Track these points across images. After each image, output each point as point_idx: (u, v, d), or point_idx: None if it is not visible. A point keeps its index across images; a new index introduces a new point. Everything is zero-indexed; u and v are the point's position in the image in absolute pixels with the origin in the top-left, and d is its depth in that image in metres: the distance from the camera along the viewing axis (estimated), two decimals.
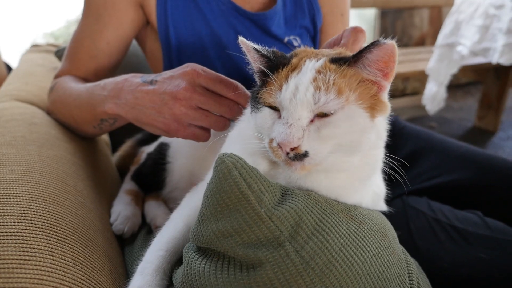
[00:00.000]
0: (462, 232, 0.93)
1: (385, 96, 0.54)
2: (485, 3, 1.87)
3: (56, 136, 0.85)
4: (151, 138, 0.99)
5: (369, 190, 0.62)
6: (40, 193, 0.62)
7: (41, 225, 0.55)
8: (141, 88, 0.72)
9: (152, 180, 0.84)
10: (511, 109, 3.47)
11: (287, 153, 0.50)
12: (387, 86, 0.54)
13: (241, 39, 0.60)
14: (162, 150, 0.84)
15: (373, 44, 0.49)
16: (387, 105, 0.55)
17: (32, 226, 0.54)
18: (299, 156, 0.49)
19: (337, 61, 0.53)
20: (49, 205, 0.61)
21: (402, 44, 3.63)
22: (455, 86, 3.77)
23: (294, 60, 0.56)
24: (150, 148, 0.90)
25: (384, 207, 0.69)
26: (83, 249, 0.58)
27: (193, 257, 0.49)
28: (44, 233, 0.54)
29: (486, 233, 0.91)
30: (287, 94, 0.51)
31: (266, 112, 0.55)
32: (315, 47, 1.11)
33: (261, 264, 0.43)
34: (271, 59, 0.58)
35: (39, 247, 0.51)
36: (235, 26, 0.98)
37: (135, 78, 0.75)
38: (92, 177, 0.82)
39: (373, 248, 0.51)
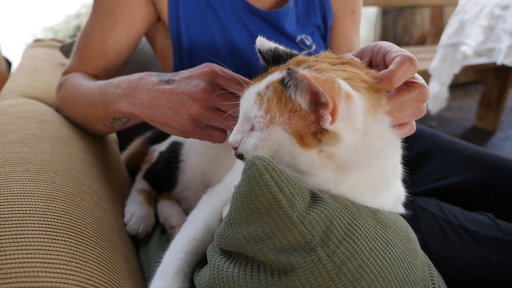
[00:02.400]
0: (473, 233, 0.93)
1: (333, 126, 0.47)
2: (491, 3, 1.87)
3: (68, 134, 0.84)
4: (161, 136, 0.98)
5: (391, 194, 0.61)
6: (57, 193, 0.61)
7: (62, 226, 0.54)
8: (157, 87, 0.70)
9: (165, 179, 0.83)
10: (510, 109, 3.49)
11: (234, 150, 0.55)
12: (327, 117, 0.46)
13: (258, 38, 0.61)
14: (176, 149, 0.83)
15: (288, 72, 0.47)
16: (338, 137, 0.48)
17: (52, 228, 0.53)
18: (238, 155, 0.55)
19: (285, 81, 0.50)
20: (67, 205, 0.60)
21: (403, 43, 3.63)
22: (454, 86, 3.78)
23: (272, 69, 0.57)
24: (162, 146, 0.89)
25: (402, 209, 0.69)
26: (104, 251, 0.57)
27: (220, 260, 0.48)
28: (65, 235, 0.53)
29: (498, 235, 0.91)
30: (241, 101, 0.56)
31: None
32: (325, 46, 1.10)
33: (293, 270, 0.42)
34: (268, 61, 0.59)
35: (61, 249, 0.50)
36: (247, 25, 0.97)
37: (150, 77, 0.74)
38: (105, 176, 0.81)
39: (399, 252, 0.51)
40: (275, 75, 0.53)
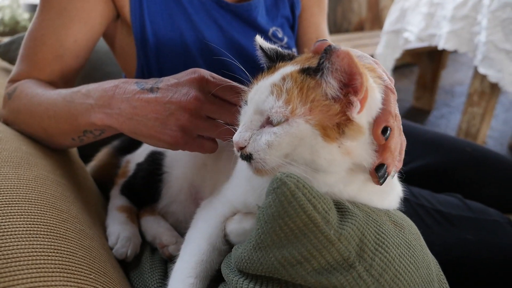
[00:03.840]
0: (446, 215, 0.98)
1: (358, 117, 0.46)
2: None
3: (29, 152, 0.74)
4: (131, 145, 0.91)
5: (395, 192, 0.61)
6: (38, 227, 0.53)
7: (54, 267, 0.47)
8: (140, 96, 0.63)
9: (147, 193, 0.77)
10: (443, 89, 3.77)
11: (238, 151, 0.50)
12: (356, 104, 0.45)
13: (256, 37, 0.58)
14: (157, 160, 0.77)
15: (327, 52, 0.44)
16: (361, 129, 0.46)
17: (44, 270, 0.46)
18: (245, 156, 0.49)
19: (306, 70, 0.48)
20: (53, 240, 0.52)
21: (342, 29, 3.74)
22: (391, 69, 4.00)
23: (280, 64, 0.54)
24: (138, 157, 0.82)
25: (398, 205, 0.69)
26: (104, 287, 0.51)
27: (247, 285, 0.45)
28: (62, 277, 0.46)
29: (469, 215, 0.97)
30: (250, 95, 0.52)
31: (244, 108, 0.55)
32: (294, 36, 1.09)
33: None
34: (271, 58, 0.56)
35: None
36: (218, 20, 0.92)
37: (128, 85, 0.66)
38: (79, 197, 0.73)
39: (418, 252, 0.51)
40: (288, 68, 0.50)
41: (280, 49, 0.58)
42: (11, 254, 0.46)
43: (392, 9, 2.27)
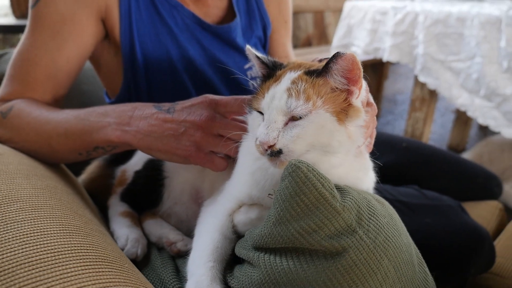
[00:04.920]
0: (408, 204, 1.12)
1: (356, 101, 0.60)
2: (372, 10, 2.19)
3: (33, 165, 0.77)
4: (122, 157, 0.96)
5: (370, 178, 0.73)
6: (67, 228, 0.58)
7: (96, 259, 0.53)
8: (157, 116, 0.72)
9: (148, 198, 0.83)
10: (386, 98, 4.09)
11: (266, 150, 0.58)
12: (356, 91, 0.59)
13: (248, 47, 0.68)
14: (156, 166, 0.83)
15: (335, 56, 0.57)
16: (359, 110, 0.60)
17: (90, 262, 0.51)
18: (275, 153, 0.58)
19: (311, 73, 0.61)
20: (84, 238, 0.57)
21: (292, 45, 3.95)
22: None
23: (279, 72, 0.64)
24: (134, 166, 0.87)
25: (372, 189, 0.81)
26: (138, 274, 0.56)
27: (269, 258, 0.54)
28: (105, 267, 0.52)
29: (427, 202, 1.12)
30: (267, 101, 0.60)
31: (254, 115, 0.64)
32: (265, 55, 1.20)
33: (344, 250, 0.50)
34: (269, 67, 0.65)
35: (115, 280, 0.49)
36: (200, 40, 1.01)
37: (147, 107, 0.75)
38: (84, 204, 0.77)
39: (398, 223, 0.63)
40: (292, 74, 0.60)
41: (276, 59, 0.68)
42: (59, 249, 0.51)
43: (339, 26, 2.48)
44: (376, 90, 3.49)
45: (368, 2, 2.29)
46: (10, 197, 0.61)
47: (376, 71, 3.41)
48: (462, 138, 2.86)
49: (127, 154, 0.94)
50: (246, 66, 1.08)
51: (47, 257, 0.49)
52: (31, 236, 0.52)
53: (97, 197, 0.94)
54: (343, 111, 0.58)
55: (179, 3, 0.97)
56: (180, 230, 0.81)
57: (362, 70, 0.58)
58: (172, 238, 0.76)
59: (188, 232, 0.80)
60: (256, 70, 0.70)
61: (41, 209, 0.60)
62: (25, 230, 0.54)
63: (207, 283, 0.58)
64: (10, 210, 0.58)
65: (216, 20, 1.05)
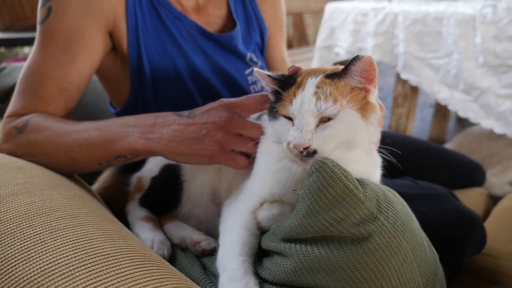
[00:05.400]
0: (404, 195, 1.18)
1: (373, 98, 0.67)
2: (354, 11, 2.28)
3: (55, 177, 0.80)
4: (134, 165, 0.99)
5: (378, 170, 0.80)
6: (108, 233, 0.61)
7: (144, 260, 0.56)
8: (179, 121, 0.77)
9: (167, 201, 0.87)
10: None
11: (301, 152, 0.64)
12: (373, 90, 0.66)
13: (256, 70, 0.71)
14: (173, 171, 0.87)
15: (354, 59, 0.64)
16: (375, 106, 0.67)
17: (139, 264, 0.55)
18: (310, 153, 0.64)
19: (331, 76, 0.67)
20: (126, 241, 0.61)
21: None
22: None
23: (299, 79, 0.70)
24: (151, 173, 0.91)
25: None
26: (179, 274, 0.61)
27: (300, 248, 0.59)
28: (153, 267, 0.55)
29: (421, 192, 1.19)
30: (296, 107, 0.65)
31: (282, 121, 0.69)
32: (263, 59, 1.25)
33: (370, 235, 0.56)
34: (282, 81, 0.70)
35: (163, 277, 0.53)
36: (204, 49, 1.05)
37: (167, 116, 0.79)
38: (108, 212, 0.80)
39: (409, 209, 0.69)
40: (314, 79, 0.66)
41: (281, 74, 0.73)
42: (107, 252, 0.55)
43: (322, 28, 2.56)
44: None
45: (349, 4, 2.38)
46: (46, 207, 0.64)
47: None
48: (442, 131, 2.99)
49: (138, 163, 0.97)
50: (247, 71, 1.13)
51: (99, 260, 0.52)
52: (78, 242, 0.56)
53: (111, 205, 0.97)
54: (363, 108, 0.65)
55: (182, 14, 1.01)
56: (200, 229, 0.85)
57: (377, 70, 0.65)
58: (196, 238, 0.80)
59: (207, 232, 0.85)
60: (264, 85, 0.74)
61: (78, 216, 0.64)
62: (70, 236, 0.57)
63: (240, 275, 0.62)
64: (50, 219, 0.61)
65: (218, 28, 1.09)
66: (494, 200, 1.52)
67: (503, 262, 1.11)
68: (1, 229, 0.58)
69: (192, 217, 0.87)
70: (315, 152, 0.63)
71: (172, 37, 1.00)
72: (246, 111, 0.77)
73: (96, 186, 1.01)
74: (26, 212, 0.62)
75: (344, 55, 2.44)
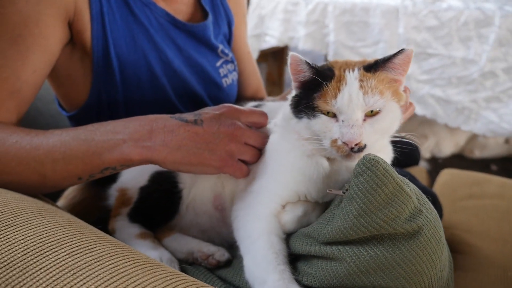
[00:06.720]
0: None
1: (401, 88, 0.69)
2: (283, 0, 2.31)
3: (29, 200, 0.65)
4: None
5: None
6: (111, 249, 0.52)
7: (164, 273, 0.50)
8: (187, 128, 0.69)
9: (163, 213, 0.77)
10: (287, 83, 4.34)
11: (352, 148, 0.63)
12: (404, 80, 0.68)
13: (293, 54, 0.66)
14: (168, 179, 0.77)
15: (399, 52, 0.65)
16: (403, 96, 0.69)
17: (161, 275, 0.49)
18: (361, 148, 0.63)
19: (370, 68, 0.67)
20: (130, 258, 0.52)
21: None
22: None
23: (337, 73, 0.67)
24: (138, 182, 0.79)
25: None
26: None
27: (351, 250, 0.57)
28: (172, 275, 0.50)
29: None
30: (344, 102, 0.63)
31: (323, 118, 0.65)
32: (230, 50, 1.18)
33: (420, 229, 0.56)
34: (319, 71, 0.67)
35: None
36: (175, 40, 0.95)
37: (165, 120, 0.70)
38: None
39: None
40: (353, 72, 0.64)
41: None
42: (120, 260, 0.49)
43: (250, 17, 2.54)
44: (278, 76, 3.68)
45: None
46: (43, 231, 0.53)
47: (277, 57, 3.59)
48: None
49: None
50: (218, 63, 1.06)
51: (122, 266, 0.48)
52: (88, 254, 0.49)
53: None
54: (398, 99, 0.66)
55: (151, 1, 0.90)
56: (202, 239, 0.78)
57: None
58: (207, 250, 0.73)
59: (210, 241, 0.78)
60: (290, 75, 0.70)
61: (86, 235, 0.54)
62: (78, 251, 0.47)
63: (285, 286, 0.59)
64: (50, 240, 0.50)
65: (186, 17, 1.00)
66: None
67: (456, 232, 1.24)
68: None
69: (193, 227, 0.79)
70: (365, 146, 0.62)
71: (143, 27, 0.89)
72: (252, 123, 0.75)
73: (62, 203, 0.86)
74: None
75: (275, 44, 2.47)
